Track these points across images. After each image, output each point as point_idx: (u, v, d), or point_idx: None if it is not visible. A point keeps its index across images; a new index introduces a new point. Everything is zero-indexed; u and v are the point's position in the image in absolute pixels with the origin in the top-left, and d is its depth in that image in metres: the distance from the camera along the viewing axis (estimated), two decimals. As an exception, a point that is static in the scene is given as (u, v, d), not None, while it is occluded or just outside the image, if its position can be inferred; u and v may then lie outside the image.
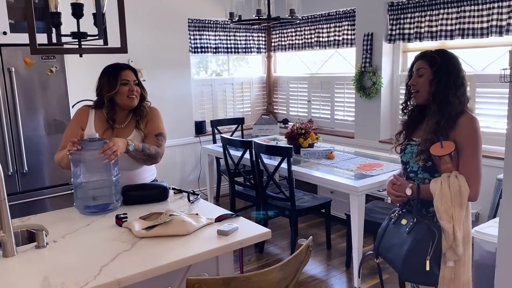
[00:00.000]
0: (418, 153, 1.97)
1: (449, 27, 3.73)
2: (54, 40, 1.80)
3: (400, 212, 2.02)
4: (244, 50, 5.44)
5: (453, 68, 1.94)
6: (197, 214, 1.93)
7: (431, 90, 1.94)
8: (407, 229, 1.90)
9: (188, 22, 4.89)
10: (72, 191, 3.35)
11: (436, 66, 1.93)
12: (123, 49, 1.68)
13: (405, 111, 2.13)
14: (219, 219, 1.91)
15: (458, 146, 1.88)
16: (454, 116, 1.91)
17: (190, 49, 4.95)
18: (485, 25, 3.49)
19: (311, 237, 1.60)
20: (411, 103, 2.11)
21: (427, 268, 1.83)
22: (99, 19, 1.61)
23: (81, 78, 3.94)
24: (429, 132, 1.92)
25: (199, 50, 5.02)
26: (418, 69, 1.99)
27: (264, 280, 1.38)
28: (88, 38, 1.70)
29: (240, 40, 5.39)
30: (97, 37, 1.70)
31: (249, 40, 5.48)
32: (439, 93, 1.91)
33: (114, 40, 1.83)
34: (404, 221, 1.95)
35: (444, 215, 1.85)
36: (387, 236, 2.02)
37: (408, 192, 1.95)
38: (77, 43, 1.72)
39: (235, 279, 1.35)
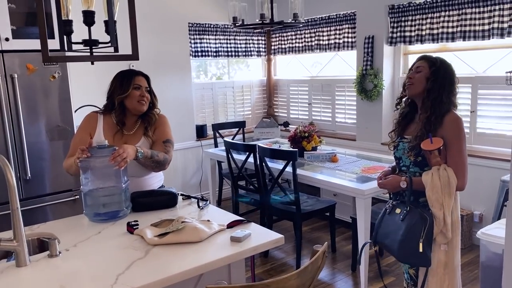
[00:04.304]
0: (409, 149, 2.14)
1: (450, 30, 3.75)
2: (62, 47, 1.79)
3: (394, 202, 2.20)
4: (244, 53, 5.44)
5: (450, 73, 2.13)
6: (208, 220, 1.93)
7: (426, 86, 2.11)
8: (401, 216, 2.09)
9: (189, 26, 4.89)
10: (75, 197, 3.39)
11: (435, 67, 2.11)
12: (134, 56, 1.67)
13: (398, 106, 2.34)
14: (231, 225, 1.91)
15: (445, 142, 2.06)
16: (442, 114, 2.08)
17: (191, 53, 4.94)
18: (486, 27, 3.51)
19: (326, 243, 1.60)
20: (404, 100, 2.30)
21: (420, 250, 2.01)
22: (111, 26, 1.61)
23: (84, 84, 3.94)
24: (420, 128, 2.09)
25: (199, 54, 5.02)
26: (417, 67, 2.17)
27: (282, 287, 1.38)
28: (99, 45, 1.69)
29: (240, 44, 5.39)
30: (108, 45, 1.69)
31: (249, 43, 5.48)
32: (434, 91, 2.09)
33: (120, 46, 1.83)
34: (398, 210, 2.13)
35: (435, 203, 2.04)
36: (384, 225, 2.19)
37: (403, 185, 2.13)
38: (86, 50, 1.71)
39: (254, 286, 1.34)
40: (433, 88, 2.09)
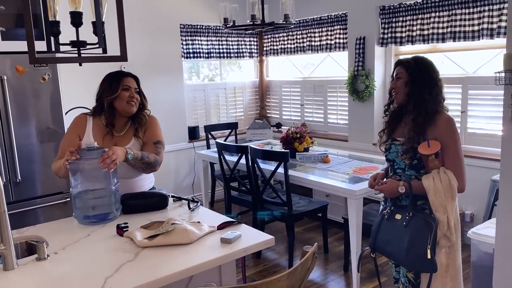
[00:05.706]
0: (403, 152, 2.11)
1: (440, 30, 3.77)
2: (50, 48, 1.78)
3: (392, 208, 2.15)
4: (236, 54, 5.44)
5: (426, 70, 2.12)
6: (199, 222, 1.92)
7: (407, 90, 2.12)
8: (404, 222, 2.05)
9: (180, 28, 4.88)
10: (66, 200, 3.37)
11: (411, 69, 2.12)
12: (123, 57, 1.66)
13: (386, 113, 2.33)
14: (221, 226, 1.90)
15: (441, 144, 2.04)
16: (430, 113, 2.07)
17: (182, 54, 4.93)
18: (476, 28, 3.54)
19: (316, 243, 1.60)
20: (393, 106, 2.29)
21: (429, 256, 1.99)
22: (99, 27, 1.60)
23: (74, 85, 3.91)
24: (410, 131, 2.08)
25: (191, 55, 5.01)
26: (396, 74, 2.19)
27: (272, 288, 1.37)
28: (87, 46, 1.68)
29: (232, 45, 5.38)
30: (96, 46, 1.68)
31: (241, 44, 5.48)
32: (415, 93, 2.09)
33: (110, 48, 1.82)
34: (398, 216, 2.09)
35: (439, 208, 2.02)
36: (383, 231, 2.16)
37: (402, 190, 2.08)
38: (74, 51, 1.70)
39: (243, 288, 1.34)
40: (413, 90, 2.09)
